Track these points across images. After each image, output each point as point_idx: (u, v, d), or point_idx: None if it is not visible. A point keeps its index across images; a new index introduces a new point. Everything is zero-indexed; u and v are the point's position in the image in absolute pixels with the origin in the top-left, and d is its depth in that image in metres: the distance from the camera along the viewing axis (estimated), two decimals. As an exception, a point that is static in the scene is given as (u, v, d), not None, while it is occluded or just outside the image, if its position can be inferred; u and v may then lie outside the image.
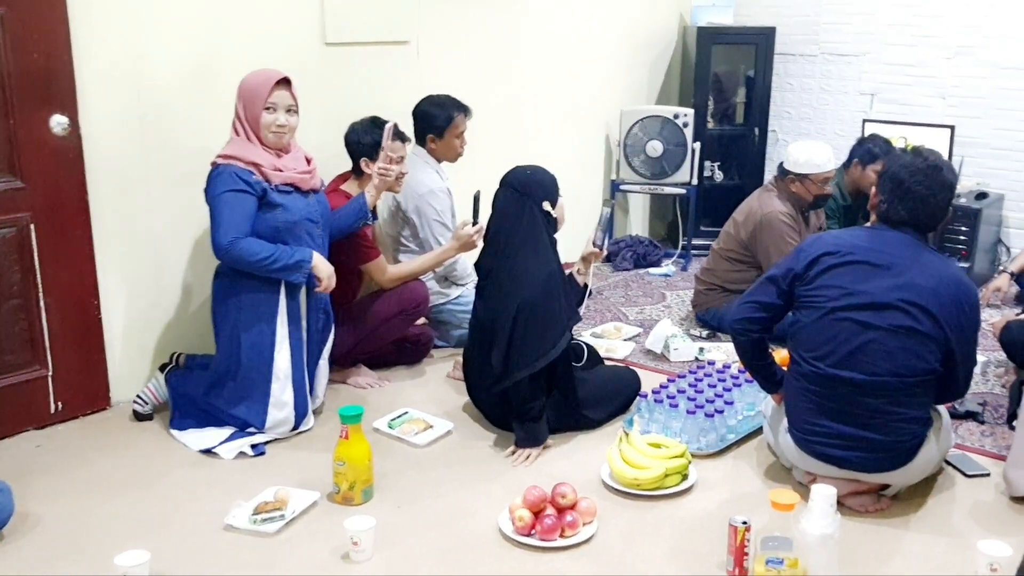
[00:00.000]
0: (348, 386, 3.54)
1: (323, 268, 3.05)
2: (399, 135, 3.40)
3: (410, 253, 3.80)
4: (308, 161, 3.15)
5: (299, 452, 3.03)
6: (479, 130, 4.01)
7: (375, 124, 3.40)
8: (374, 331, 3.50)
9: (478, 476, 2.90)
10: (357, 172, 3.51)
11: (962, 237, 4.84)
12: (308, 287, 3.08)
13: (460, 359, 3.43)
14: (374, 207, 3.34)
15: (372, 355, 3.62)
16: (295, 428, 3.10)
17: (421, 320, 3.79)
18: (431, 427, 3.19)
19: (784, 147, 5.79)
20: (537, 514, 2.53)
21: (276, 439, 3.08)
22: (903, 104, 5.45)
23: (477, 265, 3.19)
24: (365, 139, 3.43)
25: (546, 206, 3.08)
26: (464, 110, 3.80)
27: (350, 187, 3.50)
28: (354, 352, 3.52)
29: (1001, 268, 4.73)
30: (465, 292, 3.89)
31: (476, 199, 3.48)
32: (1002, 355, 3.67)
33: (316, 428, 3.18)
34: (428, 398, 3.48)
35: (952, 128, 5.09)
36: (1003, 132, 5.14)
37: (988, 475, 2.85)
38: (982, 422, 3.24)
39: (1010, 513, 2.65)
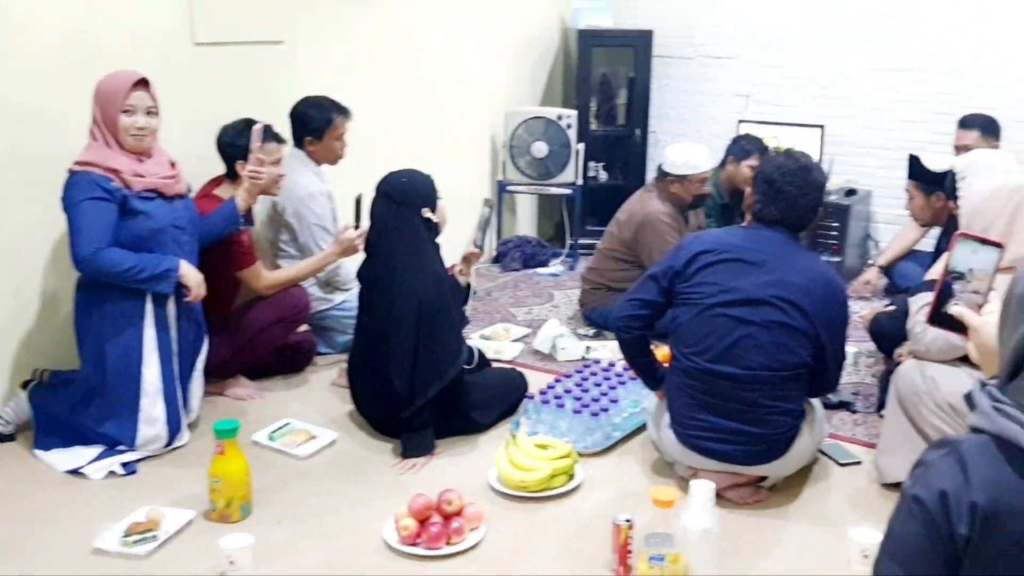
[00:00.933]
0: (226, 398, 3.42)
1: (192, 276, 2.93)
2: (273, 136, 3.30)
3: (289, 259, 3.70)
4: (172, 165, 3.02)
5: (173, 469, 2.91)
6: (360, 132, 3.94)
7: (248, 126, 3.29)
8: (252, 340, 3.39)
9: (363, 486, 2.83)
10: (231, 176, 3.38)
11: (833, 233, 5.02)
12: (177, 296, 2.95)
13: (345, 366, 3.36)
14: (248, 211, 3.23)
15: (251, 365, 3.51)
16: (168, 444, 2.98)
17: (303, 327, 3.70)
18: (314, 438, 3.11)
19: (664, 148, 5.93)
20: (423, 522, 2.50)
21: (148, 456, 2.94)
22: (776, 105, 5.64)
23: (359, 276, 3.12)
24: (239, 141, 3.31)
25: (426, 212, 3.03)
26: (343, 112, 3.72)
27: (224, 191, 3.37)
28: (231, 362, 3.40)
29: (870, 262, 4.95)
30: (350, 297, 3.81)
31: (358, 202, 3.41)
32: (872, 346, 3.81)
33: (191, 443, 3.06)
34: (311, 408, 3.39)
35: (822, 128, 5.29)
36: (870, 131, 5.37)
37: (860, 463, 2.96)
38: (854, 411, 3.37)
39: (881, 500, 2.74)
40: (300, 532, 2.56)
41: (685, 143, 4.38)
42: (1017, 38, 4.86)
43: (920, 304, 2.72)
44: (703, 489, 2.27)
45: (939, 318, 1.52)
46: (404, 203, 3.00)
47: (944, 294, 1.51)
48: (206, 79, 3.69)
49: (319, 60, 4.19)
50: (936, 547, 1.18)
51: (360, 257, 3.50)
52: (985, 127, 4.35)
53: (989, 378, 1.42)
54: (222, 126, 3.39)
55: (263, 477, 2.78)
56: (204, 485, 2.60)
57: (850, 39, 5.35)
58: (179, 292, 2.94)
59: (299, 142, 3.72)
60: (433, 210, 3.06)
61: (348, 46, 4.37)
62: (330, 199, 3.76)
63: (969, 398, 1.40)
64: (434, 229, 3.07)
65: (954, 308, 1.49)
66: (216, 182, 3.44)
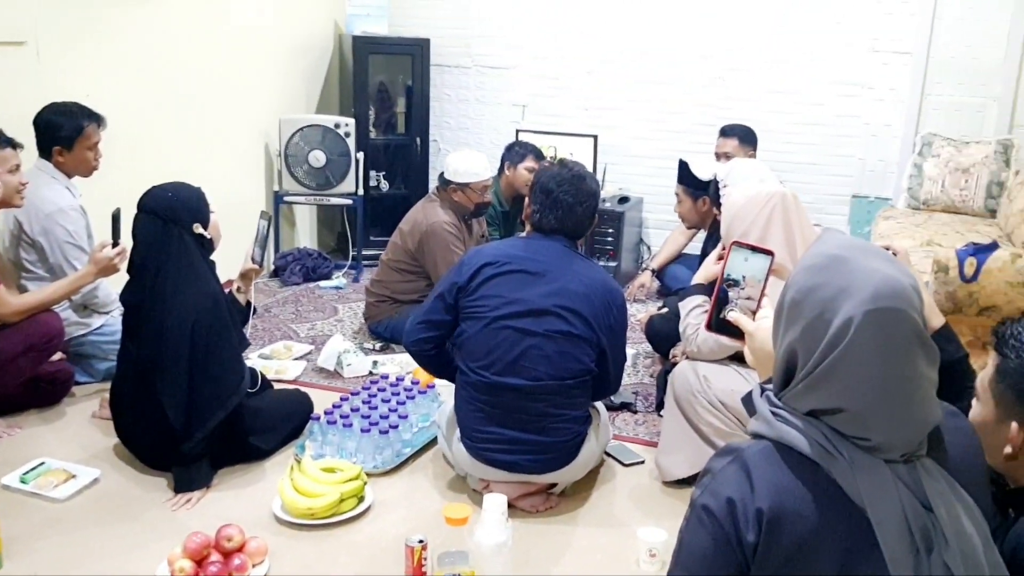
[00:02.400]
0: (-32, 439, 3.05)
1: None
2: (6, 141, 2.98)
3: (38, 280, 3.34)
4: None
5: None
6: (117, 141, 3.64)
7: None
8: (-2, 373, 3.04)
9: (132, 528, 2.60)
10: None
11: (609, 239, 5.20)
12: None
13: (107, 396, 3.08)
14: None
15: (-2, 400, 3.15)
16: None
17: (58, 355, 3.36)
18: (74, 477, 2.82)
19: (445, 157, 5.94)
20: (200, 562, 2.32)
21: None
22: (551, 115, 5.78)
23: (123, 299, 2.86)
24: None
25: (197, 228, 2.83)
26: (96, 119, 3.42)
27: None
28: (-26, 399, 3.04)
29: (644, 266, 5.17)
30: (110, 321, 3.51)
31: (116, 218, 3.13)
32: (649, 347, 3.97)
33: (-74, 494, 2.70)
34: (70, 443, 3.08)
35: (595, 137, 5.47)
36: (638, 140, 5.62)
37: (643, 462, 3.05)
38: (635, 411, 3.48)
39: (663, 498, 2.84)
40: (59, 585, 2.31)
41: (466, 151, 4.39)
42: (766, 55, 5.25)
43: (689, 307, 2.84)
44: (496, 502, 2.25)
45: (717, 324, 1.58)
46: (171, 219, 2.78)
47: (721, 301, 1.57)
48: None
49: (69, 63, 3.84)
50: (726, 555, 1.20)
51: (120, 278, 3.24)
52: (743, 136, 4.65)
53: (764, 382, 1.48)
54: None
55: (15, 525, 2.50)
56: (-60, 543, 2.29)
57: (618, 53, 5.58)
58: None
59: (46, 153, 3.38)
60: (205, 225, 2.84)
61: (103, 49, 4.03)
62: (83, 214, 3.44)
63: (748, 402, 1.45)
64: (207, 246, 2.87)
65: (730, 314, 1.54)
66: (-55, 198, 3.06)
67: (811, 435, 1.18)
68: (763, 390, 1.30)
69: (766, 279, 1.54)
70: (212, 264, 2.87)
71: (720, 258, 2.92)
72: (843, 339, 1.13)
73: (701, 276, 2.91)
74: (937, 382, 1.17)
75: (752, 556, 1.18)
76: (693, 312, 2.82)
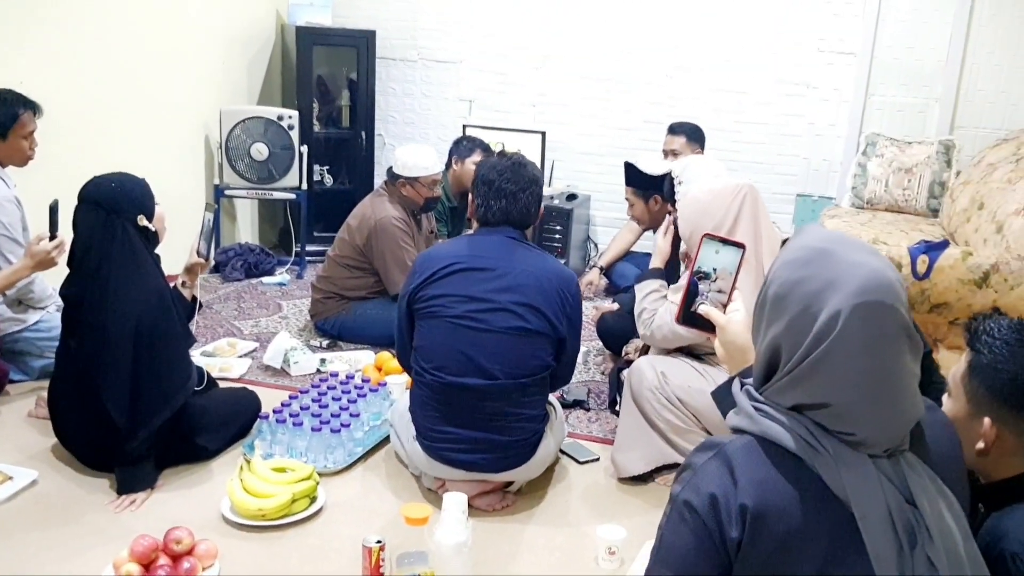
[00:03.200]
0: None
1: None
2: None
3: (-29, 275, 3.21)
4: None
5: None
6: (52, 130, 3.49)
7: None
8: (-74, 372, 2.90)
9: (74, 531, 2.49)
10: None
11: (557, 236, 5.19)
12: None
13: (44, 395, 2.96)
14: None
15: (-74, 400, 3.01)
16: None
17: (-9, 353, 3.23)
18: (10, 479, 2.70)
19: (392, 151, 5.87)
20: (148, 566, 2.24)
21: None
22: (498, 111, 5.75)
23: (63, 294, 2.74)
24: None
25: (142, 220, 2.72)
26: (32, 107, 3.28)
27: None
28: (-100, 399, 2.90)
29: (591, 263, 5.17)
30: (46, 316, 3.38)
31: (53, 209, 3.01)
32: (599, 344, 3.97)
33: None
34: (5, 444, 2.95)
35: (543, 134, 5.44)
36: (586, 137, 5.61)
37: (598, 459, 3.04)
38: (588, 409, 3.46)
39: (619, 495, 2.83)
40: (-4, 593, 2.21)
41: (414, 145, 4.33)
42: (713, 53, 5.29)
43: (646, 291, 2.84)
44: (456, 502, 2.21)
45: (688, 317, 1.56)
46: (115, 211, 2.66)
47: (692, 294, 1.55)
48: None
49: (2, 50, 3.68)
50: (708, 551, 1.18)
51: (57, 272, 3.11)
52: (691, 133, 4.67)
53: (735, 375, 1.46)
54: None
55: (-54, 533, 2.38)
56: None
57: (565, 49, 5.56)
58: None
59: (-21, 141, 3.24)
60: (150, 218, 2.73)
61: (38, 35, 3.88)
62: (18, 206, 3.31)
63: (721, 396, 1.44)
64: (152, 239, 2.76)
65: (701, 307, 1.53)
66: None
67: (795, 430, 1.17)
68: (742, 384, 1.28)
69: (737, 272, 1.53)
70: (157, 258, 2.77)
71: (667, 233, 2.93)
72: (830, 333, 1.12)
73: (657, 259, 2.91)
74: (919, 376, 1.17)
75: (735, 553, 1.17)
76: (649, 296, 2.81)
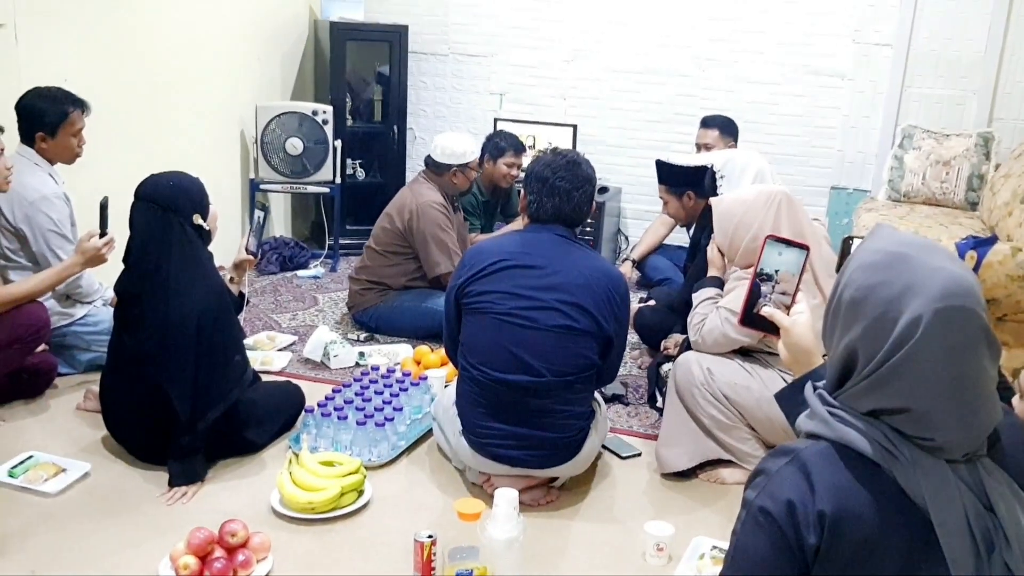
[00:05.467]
0: (-49, 433, 2.97)
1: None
2: None
3: (21, 270, 3.25)
4: None
5: None
6: (99, 128, 3.54)
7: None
8: (-18, 365, 2.95)
9: (128, 523, 2.54)
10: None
11: (588, 229, 5.18)
12: None
13: (94, 388, 3.01)
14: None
15: (-20, 393, 3.06)
16: None
17: (41, 346, 3.27)
18: (63, 471, 2.75)
19: (423, 144, 5.89)
20: (204, 558, 2.28)
21: None
22: (529, 104, 5.75)
23: (117, 290, 2.78)
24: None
25: (197, 219, 2.75)
26: (80, 105, 3.32)
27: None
28: (-43, 392, 2.95)
29: (623, 257, 5.17)
30: (92, 311, 3.42)
31: (103, 206, 3.05)
32: (634, 338, 3.97)
33: (-86, 490, 2.62)
34: (57, 436, 3.00)
35: (575, 127, 5.45)
36: (617, 130, 5.61)
37: (640, 455, 3.05)
38: (627, 404, 3.48)
39: (663, 490, 2.85)
40: (58, 583, 2.26)
41: (452, 132, 4.38)
42: (746, 45, 5.26)
43: (701, 298, 2.84)
44: (507, 497, 2.23)
45: (750, 319, 1.57)
46: (172, 209, 2.70)
47: (754, 295, 1.56)
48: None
49: (48, 47, 3.72)
50: (785, 557, 1.18)
51: (103, 267, 3.16)
52: (724, 127, 4.66)
53: (798, 379, 1.47)
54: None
55: (7, 521, 2.44)
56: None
57: (596, 42, 5.55)
58: None
59: (29, 139, 3.28)
60: (205, 216, 2.78)
61: (81, 32, 3.91)
62: (67, 202, 3.35)
63: (786, 399, 1.44)
64: (205, 237, 2.80)
65: (765, 309, 1.53)
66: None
67: (872, 436, 1.17)
68: (815, 387, 1.29)
69: (801, 273, 1.53)
70: (211, 256, 2.81)
71: (719, 250, 2.92)
72: (911, 338, 1.12)
73: (713, 269, 2.91)
74: (997, 379, 1.17)
75: (813, 559, 1.17)
76: (704, 303, 2.82)
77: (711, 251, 2.94)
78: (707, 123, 4.72)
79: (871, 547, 1.16)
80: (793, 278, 1.53)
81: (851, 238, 2.45)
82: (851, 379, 1.21)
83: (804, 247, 1.54)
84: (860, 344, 1.18)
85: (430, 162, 4.17)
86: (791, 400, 1.44)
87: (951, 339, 1.12)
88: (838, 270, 1.43)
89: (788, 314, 1.51)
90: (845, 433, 1.19)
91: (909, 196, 4.73)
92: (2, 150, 2.97)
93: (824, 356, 1.34)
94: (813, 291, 2.63)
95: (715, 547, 2.44)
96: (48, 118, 3.24)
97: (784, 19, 5.17)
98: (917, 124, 4.89)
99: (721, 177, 3.15)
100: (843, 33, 5.09)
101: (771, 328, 1.53)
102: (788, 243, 1.55)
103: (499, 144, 4.66)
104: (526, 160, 4.57)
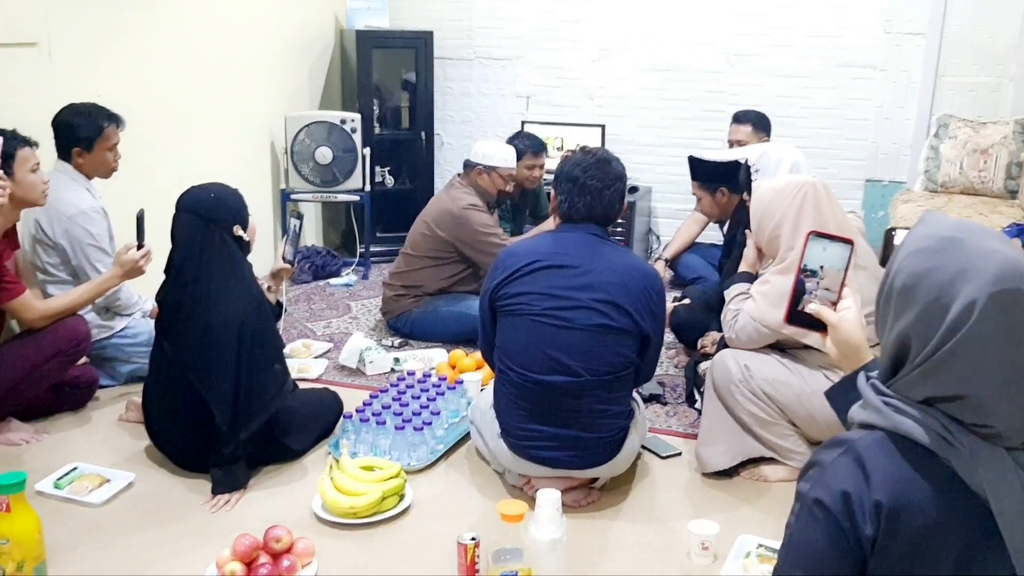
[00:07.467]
0: (-2, 445, 3.00)
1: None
2: (22, 140, 2.94)
3: (60, 284, 3.29)
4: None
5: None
6: (132, 141, 3.58)
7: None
8: (26, 379, 2.98)
9: (174, 531, 2.56)
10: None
11: (619, 229, 5.16)
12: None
13: (136, 399, 3.05)
14: (11, 233, 2.83)
15: (24, 405, 3.09)
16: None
17: (82, 359, 3.31)
18: (108, 481, 2.78)
19: (451, 150, 5.91)
20: (250, 564, 2.30)
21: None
22: (556, 105, 5.74)
23: (160, 300, 2.80)
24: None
25: (237, 230, 2.78)
26: (115, 120, 3.36)
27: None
28: (2, 405, 2.98)
29: (656, 256, 5.14)
30: (132, 323, 3.46)
31: (140, 219, 3.09)
32: (670, 337, 3.94)
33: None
34: (100, 448, 3.04)
35: (603, 127, 5.43)
36: (646, 129, 5.58)
37: (680, 454, 3.03)
38: (665, 403, 3.45)
39: (705, 489, 2.82)
40: (106, 592, 2.28)
41: (495, 139, 4.42)
42: (775, 39, 5.22)
43: (733, 294, 2.82)
44: (550, 499, 2.22)
45: (795, 316, 1.54)
46: (213, 220, 2.73)
47: (799, 292, 1.53)
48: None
49: (81, 64, 3.77)
50: (842, 549, 1.17)
51: (142, 279, 3.19)
52: (756, 122, 4.62)
53: (849, 375, 1.44)
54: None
55: (54, 531, 2.45)
56: (-16, 552, 2.24)
57: (623, 40, 5.53)
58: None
59: (65, 154, 3.32)
60: (244, 228, 2.80)
61: (112, 48, 3.97)
62: (104, 216, 3.39)
63: (836, 395, 1.42)
64: (244, 248, 2.82)
65: (811, 306, 1.51)
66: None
67: (928, 424, 1.15)
68: (868, 378, 1.27)
69: (846, 269, 1.50)
70: (250, 266, 2.83)
71: (756, 247, 2.89)
72: (965, 323, 1.10)
73: (745, 265, 2.88)
74: (1054, 365, 1.14)
75: (871, 551, 1.15)
76: (736, 299, 2.79)
77: (749, 249, 2.91)
78: (739, 119, 4.68)
79: (929, 538, 1.14)
80: (838, 274, 1.50)
81: (893, 229, 2.41)
82: (904, 367, 1.19)
83: (848, 241, 1.51)
84: (913, 331, 1.16)
85: (465, 164, 4.19)
86: (842, 397, 1.41)
87: (1007, 323, 1.09)
88: (883, 262, 1.40)
89: (834, 310, 1.48)
90: (900, 422, 1.17)
91: (946, 186, 4.65)
92: (38, 164, 3.01)
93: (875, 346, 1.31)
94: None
95: (761, 545, 2.41)
96: (84, 133, 3.29)
97: (813, 12, 5.11)
98: (952, 113, 4.81)
99: (756, 171, 3.12)
100: (874, 24, 5.02)
101: (818, 325, 1.50)
102: (832, 238, 1.52)
103: (518, 147, 4.64)
104: (549, 160, 4.57)
